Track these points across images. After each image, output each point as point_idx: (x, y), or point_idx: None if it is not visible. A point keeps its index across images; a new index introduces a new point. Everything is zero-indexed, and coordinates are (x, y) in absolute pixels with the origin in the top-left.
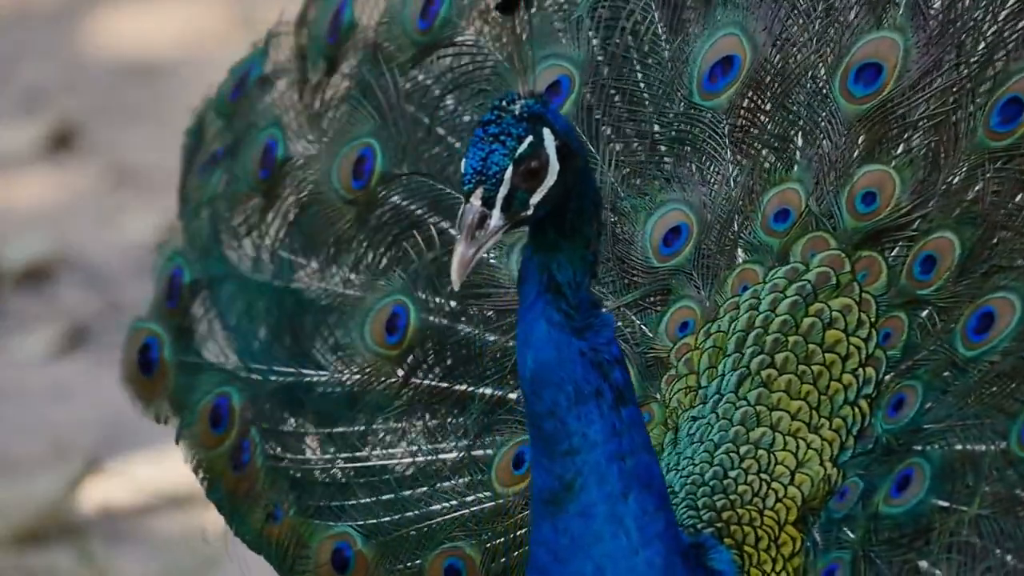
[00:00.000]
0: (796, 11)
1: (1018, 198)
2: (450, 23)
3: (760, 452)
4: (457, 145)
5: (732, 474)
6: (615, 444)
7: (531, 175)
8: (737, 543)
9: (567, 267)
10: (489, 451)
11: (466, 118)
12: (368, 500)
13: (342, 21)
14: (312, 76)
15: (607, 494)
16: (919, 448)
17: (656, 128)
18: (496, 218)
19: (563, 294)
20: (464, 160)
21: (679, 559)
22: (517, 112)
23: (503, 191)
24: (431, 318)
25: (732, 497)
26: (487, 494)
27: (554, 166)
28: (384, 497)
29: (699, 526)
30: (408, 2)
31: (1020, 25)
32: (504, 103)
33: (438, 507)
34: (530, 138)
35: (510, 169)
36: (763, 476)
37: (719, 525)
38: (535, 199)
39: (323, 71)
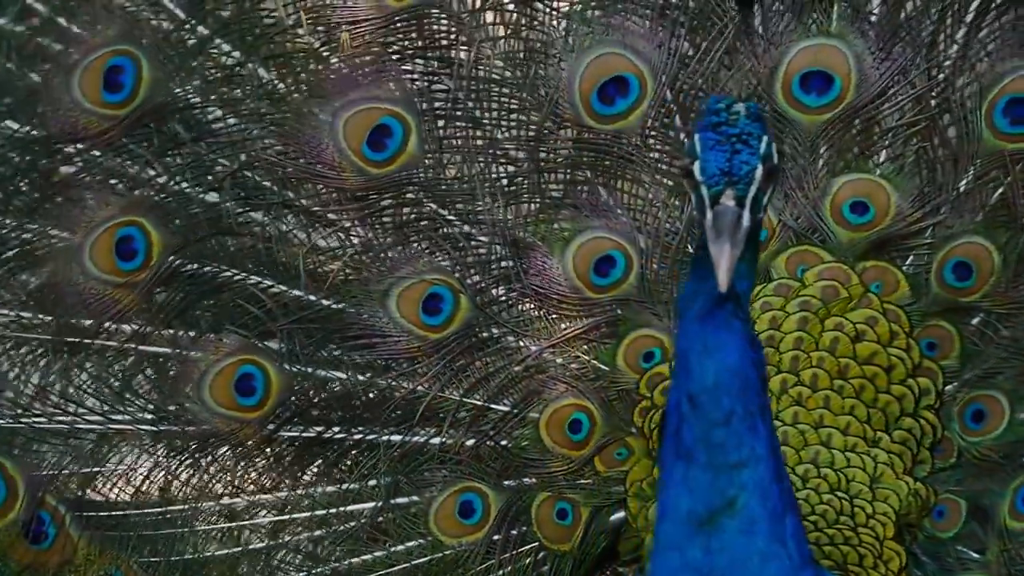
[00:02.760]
0: (680, 25)
1: None
2: (161, 84)
3: (824, 471)
4: (218, 199)
5: (801, 495)
6: (775, 461)
7: (770, 175)
8: (838, 564)
9: (745, 276)
10: (415, 498)
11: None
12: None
13: None
14: None
15: (770, 512)
16: None
17: (533, 155)
18: (747, 219)
19: (741, 304)
20: (702, 162)
21: None
22: (744, 113)
23: (753, 191)
24: (311, 371)
25: (813, 519)
26: (422, 542)
27: (777, 167)
28: (251, 548)
29: None
30: (74, 83)
31: (992, 26)
32: (725, 105)
33: (359, 560)
34: (766, 138)
35: (760, 169)
36: (840, 495)
37: (810, 548)
38: (765, 199)
39: None
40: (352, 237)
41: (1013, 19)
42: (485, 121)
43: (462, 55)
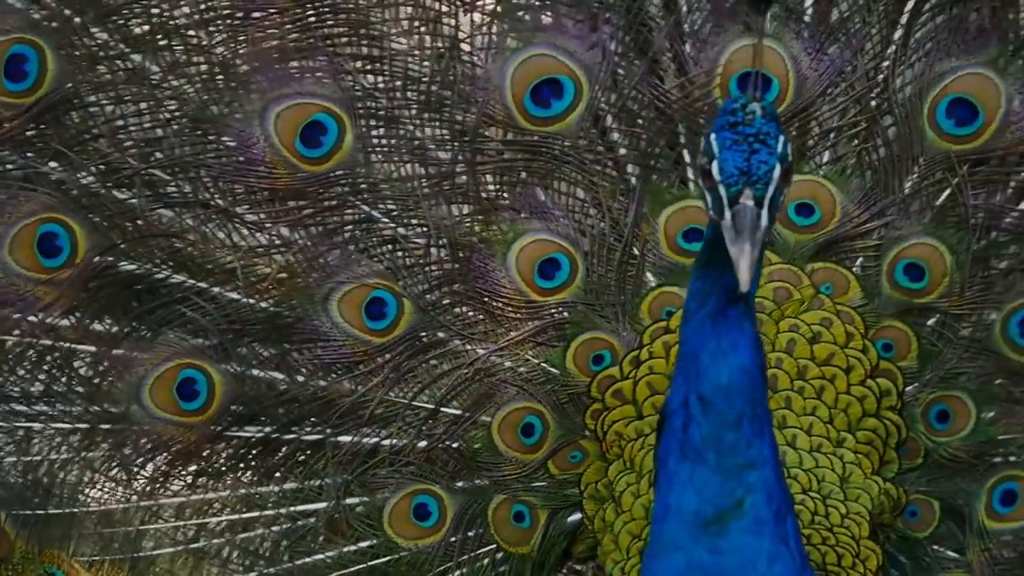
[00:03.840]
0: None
1: (998, 198)
2: (67, 75)
3: (794, 471)
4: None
5: None
6: (778, 464)
7: (786, 175)
8: (818, 565)
9: (755, 278)
10: (366, 498)
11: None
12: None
13: None
14: None
15: (774, 513)
16: (1012, 460)
17: (463, 155)
18: (765, 219)
19: (750, 305)
20: (720, 162)
21: None
22: (761, 112)
23: (771, 191)
24: (252, 373)
25: None
26: (375, 541)
27: (792, 165)
28: (194, 546)
29: None
30: None
31: (927, 27)
32: (742, 105)
33: (311, 560)
34: (782, 138)
35: (778, 168)
36: (812, 495)
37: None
38: (781, 199)
39: None
40: (277, 238)
41: (947, 19)
42: (405, 119)
43: (374, 52)
